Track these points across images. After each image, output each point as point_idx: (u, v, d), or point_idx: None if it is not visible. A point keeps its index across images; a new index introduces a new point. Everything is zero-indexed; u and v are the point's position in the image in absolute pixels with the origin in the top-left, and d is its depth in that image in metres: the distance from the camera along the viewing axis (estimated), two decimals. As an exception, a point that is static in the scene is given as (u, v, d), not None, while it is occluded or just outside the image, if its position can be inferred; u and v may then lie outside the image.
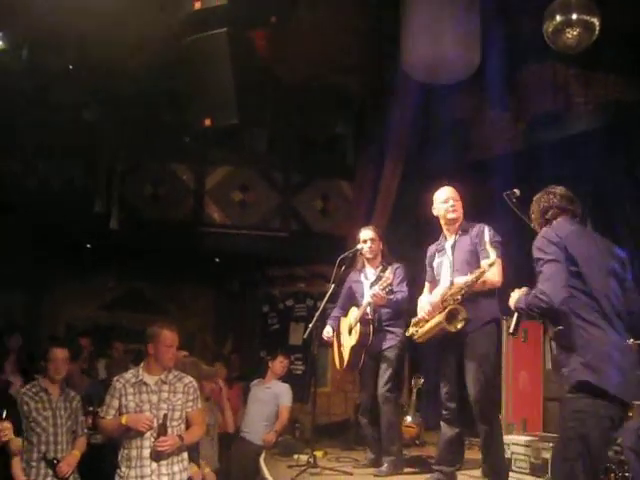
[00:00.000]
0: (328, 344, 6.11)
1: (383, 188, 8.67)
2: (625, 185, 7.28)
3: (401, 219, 8.60)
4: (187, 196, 9.28)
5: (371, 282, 5.81)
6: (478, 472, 5.18)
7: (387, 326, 5.71)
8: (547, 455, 5.26)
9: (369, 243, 5.83)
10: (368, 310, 5.70)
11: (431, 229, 8.15)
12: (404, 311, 5.72)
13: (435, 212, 5.08)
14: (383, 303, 5.59)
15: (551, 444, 5.29)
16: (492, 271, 4.64)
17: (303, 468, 5.49)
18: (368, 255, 5.85)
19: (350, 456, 6.27)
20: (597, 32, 6.57)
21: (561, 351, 3.49)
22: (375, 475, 5.44)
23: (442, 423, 4.96)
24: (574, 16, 6.50)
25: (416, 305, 5.17)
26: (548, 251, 3.50)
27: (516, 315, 3.68)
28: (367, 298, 5.68)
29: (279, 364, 7.36)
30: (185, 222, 9.22)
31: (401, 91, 8.26)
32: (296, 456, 6.11)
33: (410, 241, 8.57)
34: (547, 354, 7.36)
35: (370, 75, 8.68)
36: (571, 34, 6.59)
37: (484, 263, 4.63)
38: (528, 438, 5.51)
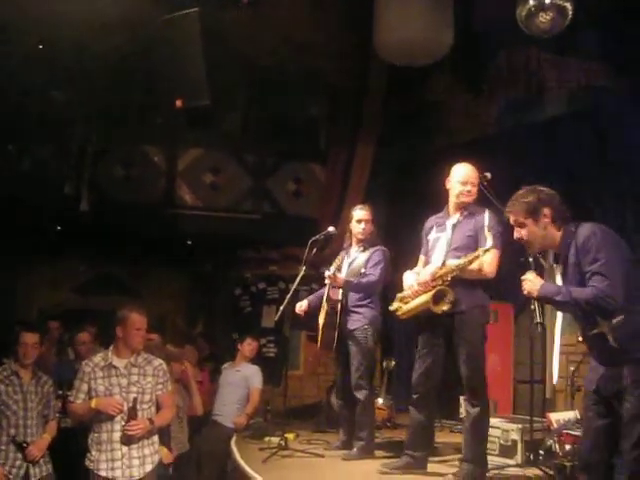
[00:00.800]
0: (300, 317, 6.04)
1: (355, 172, 8.67)
2: (597, 171, 7.32)
3: (373, 203, 8.60)
4: (158, 178, 9.21)
5: (349, 262, 5.81)
6: (450, 457, 5.20)
7: (354, 307, 5.68)
8: (516, 437, 5.34)
9: (363, 224, 5.80)
10: (336, 291, 5.67)
11: (405, 212, 8.22)
12: (374, 293, 5.72)
13: (448, 186, 4.97)
14: (340, 284, 5.60)
15: (520, 426, 5.36)
16: (486, 259, 4.60)
17: (274, 450, 5.50)
18: (360, 236, 5.81)
19: (322, 438, 6.28)
20: (570, 17, 6.58)
21: (624, 339, 3.39)
22: (344, 459, 5.46)
23: (411, 407, 4.94)
24: (547, 0, 6.51)
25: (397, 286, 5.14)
26: (607, 250, 3.45)
27: (537, 303, 3.65)
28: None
29: (247, 347, 7.35)
30: (156, 204, 9.16)
31: (373, 74, 8.26)
32: (267, 439, 6.11)
33: (381, 224, 8.59)
34: (518, 337, 7.43)
35: (343, 58, 8.64)
36: (544, 18, 6.60)
37: (480, 249, 4.58)
38: (498, 420, 5.54)
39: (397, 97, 8.65)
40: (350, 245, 5.93)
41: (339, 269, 5.75)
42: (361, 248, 5.82)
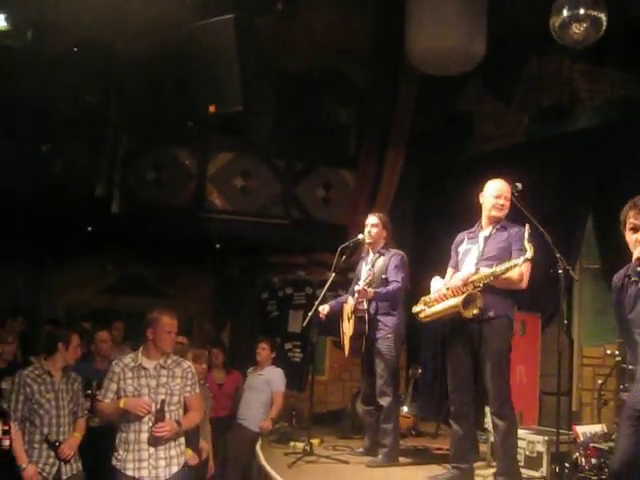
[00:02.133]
0: (325, 322, 6.06)
1: (385, 178, 8.68)
2: (629, 183, 7.27)
3: (401, 210, 8.62)
4: (189, 181, 9.28)
5: (368, 268, 5.85)
6: (487, 471, 5.18)
7: (379, 316, 5.72)
8: (542, 449, 5.30)
9: (369, 228, 5.89)
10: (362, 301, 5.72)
11: (433, 221, 8.21)
12: (399, 301, 5.75)
13: (481, 200, 4.98)
14: (370, 297, 5.65)
15: (546, 438, 5.34)
16: (522, 270, 4.61)
17: (299, 455, 5.52)
18: (367, 239, 5.89)
19: (347, 445, 6.30)
20: (604, 28, 6.56)
21: None
22: (368, 465, 5.48)
23: (451, 421, 4.94)
24: (581, 11, 6.49)
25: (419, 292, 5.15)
26: None
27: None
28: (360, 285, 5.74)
29: (262, 351, 7.37)
30: (186, 207, 9.22)
31: (404, 81, 8.27)
32: (292, 443, 6.15)
33: (409, 233, 8.62)
34: (545, 349, 7.39)
35: (374, 64, 8.66)
36: (578, 29, 6.59)
37: (520, 258, 4.54)
38: (524, 432, 5.51)
39: (428, 104, 8.65)
40: (368, 253, 5.98)
41: (370, 283, 5.74)
42: (377, 254, 5.88)
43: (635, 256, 3.41)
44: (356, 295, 5.69)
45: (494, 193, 4.90)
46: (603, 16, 6.56)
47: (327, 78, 9.22)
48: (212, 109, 6.33)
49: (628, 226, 3.54)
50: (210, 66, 6.38)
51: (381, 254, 5.87)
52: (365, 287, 5.64)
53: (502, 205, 4.88)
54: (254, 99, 6.55)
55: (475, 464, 5.02)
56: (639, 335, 3.54)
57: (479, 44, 6.96)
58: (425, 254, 7.72)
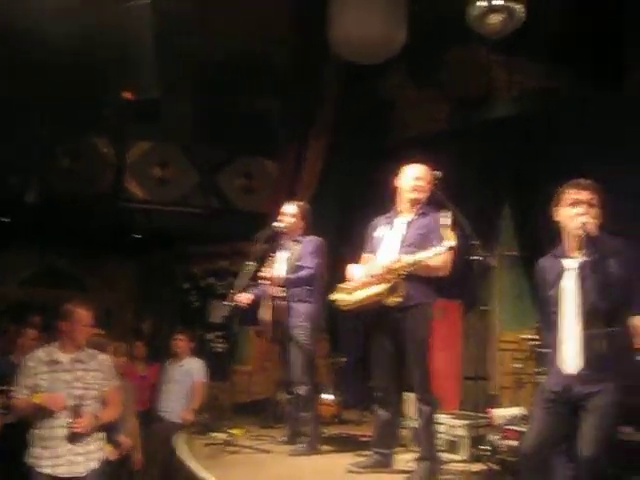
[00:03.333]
0: (247, 311, 6.01)
1: (308, 166, 8.65)
2: (545, 173, 7.43)
3: (324, 199, 8.61)
4: (107, 170, 9.06)
5: (286, 257, 5.86)
6: (406, 455, 5.22)
7: (294, 303, 5.71)
8: (462, 432, 5.41)
9: (287, 216, 5.91)
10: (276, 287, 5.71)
11: (356, 208, 8.23)
12: (315, 287, 5.74)
13: (398, 184, 4.97)
14: (279, 283, 5.66)
15: (466, 422, 5.43)
16: (444, 258, 4.64)
17: (220, 446, 5.48)
18: (285, 228, 5.90)
19: (269, 434, 6.28)
20: (521, 19, 6.67)
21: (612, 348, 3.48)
22: (290, 454, 5.47)
23: (376, 406, 4.96)
24: (499, 1, 6.58)
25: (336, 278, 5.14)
26: None
27: None
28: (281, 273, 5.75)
29: (179, 342, 7.32)
30: (104, 197, 9.01)
31: (327, 69, 8.25)
32: (214, 434, 6.08)
33: (333, 220, 8.61)
34: (465, 335, 7.51)
35: (297, 51, 8.61)
36: (495, 19, 6.68)
37: (444, 245, 4.55)
38: (444, 416, 5.60)
39: (351, 92, 8.65)
40: (286, 241, 5.99)
41: (276, 268, 5.78)
42: (294, 242, 5.89)
43: (578, 225, 3.52)
44: (266, 281, 5.67)
45: (413, 175, 4.92)
46: (520, 7, 6.68)
47: (249, 65, 9.11)
48: (128, 95, 6.18)
49: (567, 202, 3.68)
50: (126, 51, 6.23)
51: (298, 241, 5.88)
52: (271, 273, 5.65)
53: (421, 187, 4.89)
54: (173, 86, 6.43)
55: (396, 449, 5.07)
56: (555, 314, 3.64)
57: (400, 31, 6.97)
58: (349, 241, 7.74)
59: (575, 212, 3.62)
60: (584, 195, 3.63)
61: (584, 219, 3.52)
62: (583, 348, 3.48)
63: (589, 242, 3.51)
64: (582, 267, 3.59)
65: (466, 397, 7.35)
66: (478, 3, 6.64)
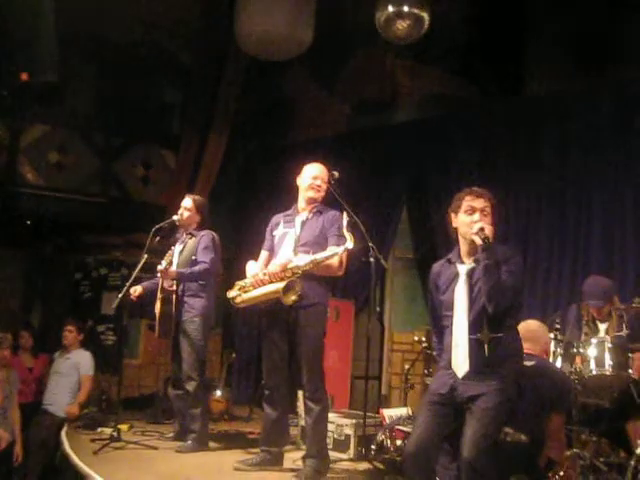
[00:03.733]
0: (138, 304, 5.92)
1: (207, 161, 8.57)
2: (441, 177, 7.60)
3: (223, 193, 8.56)
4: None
5: (179, 251, 5.81)
6: (296, 454, 5.21)
7: (186, 297, 5.66)
8: (349, 431, 5.46)
9: (182, 210, 5.84)
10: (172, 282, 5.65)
11: (255, 204, 8.23)
12: (208, 283, 5.70)
13: (298, 182, 4.96)
14: (172, 277, 5.61)
15: (354, 421, 5.49)
16: (341, 258, 4.65)
17: (106, 442, 5.34)
18: (180, 222, 5.84)
19: (156, 430, 6.18)
20: (427, 26, 6.80)
21: (497, 352, 3.55)
22: (177, 451, 5.40)
23: (264, 404, 4.93)
24: (405, 8, 6.70)
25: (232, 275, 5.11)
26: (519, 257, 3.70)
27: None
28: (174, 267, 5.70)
29: (68, 334, 7.14)
30: (-5, 180, 8.68)
31: (231, 63, 8.20)
32: (100, 429, 5.95)
33: (232, 215, 8.57)
34: (357, 334, 7.60)
35: (202, 45, 8.52)
36: (402, 25, 6.80)
37: (342, 246, 4.56)
38: (333, 415, 5.64)
39: (254, 88, 8.62)
40: (182, 235, 5.95)
41: (171, 262, 5.72)
42: (189, 236, 5.84)
43: (475, 231, 3.58)
44: (158, 275, 5.60)
45: (312, 174, 4.92)
46: (426, 15, 6.81)
47: (154, 54, 8.94)
48: (24, 77, 5.97)
49: (463, 209, 3.74)
50: (24, 32, 6.01)
51: (192, 235, 5.82)
52: (167, 267, 5.56)
53: (319, 186, 4.89)
54: (74, 71, 6.25)
55: (284, 448, 5.08)
56: (447, 318, 3.72)
57: (306, 31, 7.01)
58: (245, 238, 7.72)
59: (470, 220, 3.69)
60: (479, 203, 3.71)
61: (481, 224, 3.60)
62: (470, 352, 3.57)
63: (481, 249, 3.58)
64: (473, 273, 3.67)
65: (356, 396, 7.45)
66: (386, 9, 6.75)
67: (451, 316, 3.69)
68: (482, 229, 3.56)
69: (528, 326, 4.76)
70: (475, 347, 3.55)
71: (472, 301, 3.63)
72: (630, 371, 4.97)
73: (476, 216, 3.68)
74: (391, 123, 8.01)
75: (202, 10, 8.22)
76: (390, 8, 6.76)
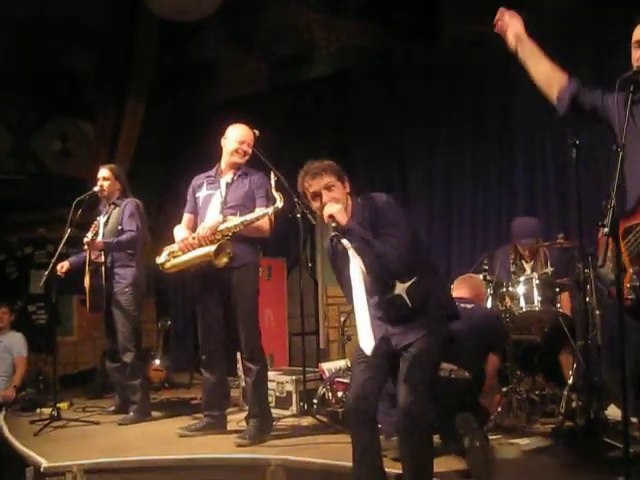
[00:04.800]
0: (60, 277, 5.79)
1: (125, 128, 8.40)
2: (364, 130, 7.62)
3: (145, 161, 8.41)
4: None
5: (104, 222, 5.72)
6: (239, 415, 5.26)
7: (115, 268, 5.61)
8: (290, 388, 5.52)
9: (100, 181, 5.75)
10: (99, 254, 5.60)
11: (179, 169, 8.11)
12: (137, 251, 5.65)
13: (223, 143, 4.89)
14: (99, 248, 5.55)
15: (294, 377, 5.54)
16: (270, 218, 4.65)
17: (46, 422, 5.28)
18: (100, 194, 5.77)
19: (97, 405, 6.15)
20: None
21: (417, 299, 3.48)
22: (120, 423, 5.39)
23: (203, 369, 4.94)
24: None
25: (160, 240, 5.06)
26: (397, 216, 3.46)
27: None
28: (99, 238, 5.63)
29: (2, 315, 7.01)
30: None
31: (143, 28, 8.01)
32: (39, 410, 5.88)
33: (155, 183, 8.44)
34: (291, 292, 7.62)
35: (109, 9, 8.27)
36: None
37: (272, 207, 4.55)
38: (274, 373, 5.68)
39: (168, 52, 8.44)
40: (104, 206, 5.86)
41: (97, 234, 5.64)
42: (112, 206, 5.76)
43: (325, 219, 3.38)
44: (85, 247, 5.51)
45: (238, 138, 4.86)
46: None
47: (63, 24, 8.64)
48: None
49: (309, 197, 3.51)
50: None
51: (116, 205, 5.74)
52: (94, 239, 5.49)
53: (244, 152, 4.85)
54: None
55: (227, 410, 5.10)
56: (353, 289, 3.54)
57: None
58: (171, 203, 7.62)
59: (317, 206, 3.48)
60: (318, 184, 3.42)
61: (328, 211, 3.35)
62: (391, 307, 3.52)
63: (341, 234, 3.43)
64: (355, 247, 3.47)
65: (295, 353, 7.50)
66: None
67: (355, 287, 3.50)
68: (330, 216, 3.32)
69: (462, 277, 4.93)
70: (396, 302, 3.50)
71: (367, 271, 3.47)
72: (558, 305, 5.14)
73: (318, 202, 3.44)
74: (309, 78, 7.95)
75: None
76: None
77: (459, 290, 4.85)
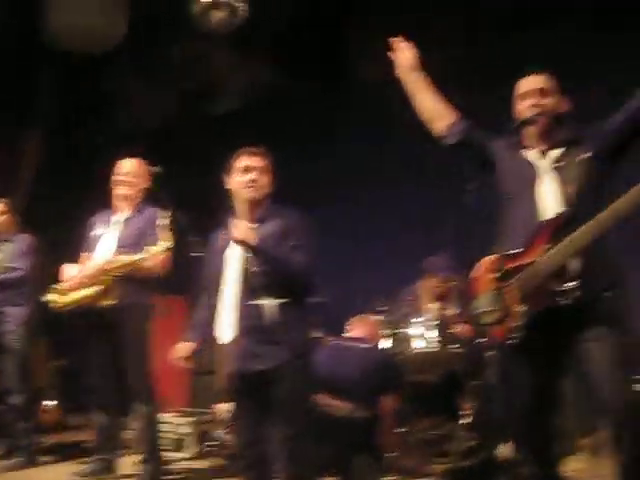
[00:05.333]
0: None
1: (23, 162, 8.18)
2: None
3: (42, 194, 8.19)
4: None
5: None
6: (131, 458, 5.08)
7: (6, 308, 5.43)
8: (187, 430, 5.41)
9: None
10: None
11: (74, 207, 7.92)
12: (27, 290, 5.47)
13: (112, 179, 4.85)
14: None
15: (191, 419, 5.43)
16: (160, 258, 4.58)
17: None
18: None
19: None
20: (244, 16, 6.79)
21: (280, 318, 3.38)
22: (7, 471, 5.11)
23: (94, 410, 4.82)
24: (222, -1, 6.65)
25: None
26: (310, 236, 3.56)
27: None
28: None
29: None
30: None
31: (43, 60, 7.84)
32: None
33: (51, 218, 8.21)
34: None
35: (5, 39, 8.05)
36: (217, 16, 6.75)
37: (157, 247, 4.50)
38: (170, 415, 5.57)
39: (71, 85, 8.27)
40: None
41: None
42: (5, 241, 5.59)
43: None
44: None
45: (121, 170, 4.85)
46: (242, 5, 6.78)
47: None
48: None
49: (238, 169, 3.65)
50: None
51: (9, 241, 5.57)
52: None
53: (130, 182, 4.83)
54: None
55: (119, 453, 4.94)
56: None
57: (118, 22, 6.84)
58: (66, 239, 7.42)
59: (246, 179, 3.59)
60: (255, 161, 3.63)
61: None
62: (247, 320, 3.41)
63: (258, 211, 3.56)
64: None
65: (196, 393, 7.35)
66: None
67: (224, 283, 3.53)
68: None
69: (358, 317, 4.95)
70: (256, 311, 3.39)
71: (247, 268, 3.46)
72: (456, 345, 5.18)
73: (251, 175, 3.59)
74: (214, 113, 7.95)
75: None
76: (206, -1, 6.68)
77: (355, 330, 4.86)
